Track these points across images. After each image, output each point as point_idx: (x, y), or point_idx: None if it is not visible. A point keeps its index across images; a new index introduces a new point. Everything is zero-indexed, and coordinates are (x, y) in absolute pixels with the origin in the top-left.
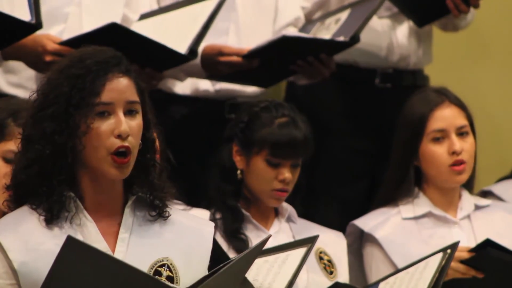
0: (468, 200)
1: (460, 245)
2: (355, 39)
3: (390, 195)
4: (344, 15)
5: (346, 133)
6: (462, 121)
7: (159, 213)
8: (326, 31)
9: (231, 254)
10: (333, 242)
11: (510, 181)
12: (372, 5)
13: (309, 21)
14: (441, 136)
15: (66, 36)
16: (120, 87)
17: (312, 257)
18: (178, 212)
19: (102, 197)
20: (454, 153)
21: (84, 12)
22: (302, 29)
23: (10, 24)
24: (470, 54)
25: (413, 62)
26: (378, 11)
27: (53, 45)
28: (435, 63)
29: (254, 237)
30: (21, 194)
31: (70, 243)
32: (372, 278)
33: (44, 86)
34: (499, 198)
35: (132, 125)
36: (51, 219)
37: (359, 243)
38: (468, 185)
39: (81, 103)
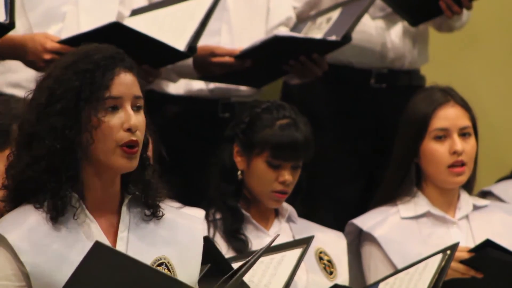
0: (466, 200)
1: (459, 245)
2: (346, 38)
3: (391, 193)
4: (335, 14)
5: (342, 134)
6: (465, 122)
7: (153, 213)
8: (317, 31)
9: (231, 255)
10: (333, 242)
11: (509, 181)
12: (363, 3)
13: (300, 20)
14: (443, 135)
15: (64, 35)
16: (127, 81)
17: (312, 257)
18: (169, 209)
19: (103, 195)
20: (455, 153)
21: (81, 11)
22: (293, 29)
23: None
24: (465, 53)
25: (408, 62)
26: (372, 11)
27: (52, 43)
28: (429, 62)
29: (254, 237)
30: (23, 192)
31: (97, 248)
32: (371, 277)
33: (48, 82)
34: (499, 199)
35: (139, 119)
36: (57, 217)
37: (358, 242)
38: (468, 187)
39: (91, 97)
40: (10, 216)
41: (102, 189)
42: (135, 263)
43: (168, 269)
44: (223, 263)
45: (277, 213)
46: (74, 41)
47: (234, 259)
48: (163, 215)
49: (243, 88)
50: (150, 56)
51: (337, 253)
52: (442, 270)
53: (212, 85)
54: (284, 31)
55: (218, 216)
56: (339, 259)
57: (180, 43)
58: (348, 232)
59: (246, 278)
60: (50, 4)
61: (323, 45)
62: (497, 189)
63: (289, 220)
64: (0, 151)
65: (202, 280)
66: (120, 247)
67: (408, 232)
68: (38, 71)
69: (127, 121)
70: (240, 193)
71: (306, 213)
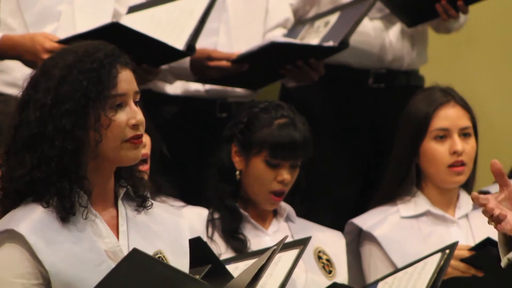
0: (466, 200)
1: (459, 244)
2: (344, 44)
3: (390, 193)
4: (333, 18)
5: (340, 133)
6: (466, 122)
7: (143, 204)
8: (315, 34)
9: (229, 254)
10: (332, 242)
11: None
12: (362, 8)
13: (298, 22)
14: (443, 135)
15: (59, 35)
16: (129, 78)
17: (310, 257)
18: (155, 204)
19: (102, 190)
20: (455, 153)
21: (76, 10)
22: (291, 31)
23: None
24: (464, 53)
25: (407, 63)
26: (370, 12)
27: (51, 43)
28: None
29: (252, 236)
30: (27, 193)
31: (135, 255)
32: (371, 276)
33: (51, 82)
34: None
35: (142, 114)
36: (67, 216)
37: (357, 241)
38: (467, 187)
39: (99, 97)
40: (18, 212)
41: (102, 184)
42: (172, 270)
43: None
44: (215, 263)
45: (275, 213)
46: (73, 41)
47: (234, 259)
48: (152, 204)
49: (239, 89)
50: (149, 55)
51: (336, 253)
52: (441, 269)
53: (208, 86)
54: (281, 37)
55: (216, 216)
56: (338, 258)
57: (179, 42)
58: (347, 231)
59: None
60: (45, 3)
61: (320, 51)
62: (495, 189)
63: (288, 219)
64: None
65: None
66: (122, 241)
67: (408, 231)
68: None
69: (134, 117)
70: (239, 193)
71: (304, 212)
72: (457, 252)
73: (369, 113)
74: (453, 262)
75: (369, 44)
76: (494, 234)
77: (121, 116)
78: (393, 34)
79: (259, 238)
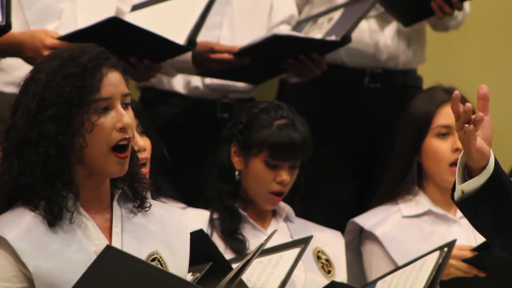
0: None
1: (460, 243)
2: (346, 39)
3: (392, 191)
4: (337, 15)
5: (336, 133)
6: None
7: (141, 205)
8: (318, 30)
9: (229, 255)
10: (331, 241)
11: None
12: (365, 5)
13: (302, 19)
14: (445, 132)
15: (61, 33)
16: (115, 81)
17: (310, 257)
18: (155, 204)
19: (95, 193)
20: (457, 150)
21: (78, 7)
22: (295, 28)
23: None
24: (461, 53)
25: (402, 62)
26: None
27: (51, 40)
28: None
29: (251, 237)
30: (16, 198)
31: (108, 251)
32: (372, 275)
33: (36, 88)
34: None
35: (130, 116)
36: (54, 221)
37: (358, 241)
38: None
39: (83, 101)
40: (5, 217)
41: (94, 188)
42: (148, 266)
43: (161, 264)
44: (218, 257)
45: (274, 213)
46: (73, 37)
47: (234, 260)
48: (150, 206)
49: (240, 84)
50: (150, 50)
51: (335, 252)
52: (439, 267)
53: (208, 81)
54: (284, 30)
55: (215, 216)
56: (337, 258)
57: (180, 37)
58: (348, 230)
59: (244, 278)
60: (47, 1)
61: (323, 45)
62: None
63: (287, 219)
64: None
65: (202, 280)
66: (116, 242)
67: (409, 231)
68: None
69: (120, 120)
70: (238, 193)
71: (303, 212)
72: (459, 253)
73: (365, 113)
74: (455, 262)
75: (364, 43)
76: None
77: (106, 120)
78: (388, 33)
79: (258, 238)
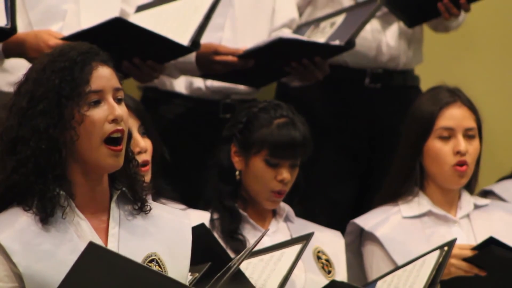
0: (467, 200)
1: (461, 243)
2: (350, 43)
3: (393, 192)
4: (339, 19)
5: (336, 133)
6: (471, 123)
7: (140, 207)
8: (320, 34)
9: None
10: (331, 241)
11: (510, 180)
12: (369, 9)
13: (302, 23)
14: (448, 134)
15: (65, 34)
16: (106, 74)
17: (310, 257)
18: (157, 205)
19: (91, 193)
20: (458, 153)
21: (82, 9)
22: (295, 31)
23: None
24: (460, 53)
25: (403, 62)
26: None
27: (55, 40)
28: (424, 62)
29: (251, 237)
30: (11, 197)
31: (91, 248)
32: (373, 276)
33: (26, 86)
34: (500, 198)
35: (123, 110)
36: (46, 218)
37: (359, 241)
38: (469, 187)
39: (72, 94)
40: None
41: (90, 187)
42: (130, 262)
43: (159, 266)
44: (220, 252)
45: (274, 213)
46: (77, 37)
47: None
48: (150, 209)
49: (240, 86)
50: (153, 51)
51: (335, 252)
52: (439, 266)
53: (209, 83)
54: (289, 34)
55: (215, 216)
56: (337, 258)
57: (183, 38)
58: (349, 231)
59: (246, 275)
60: (50, 2)
61: (326, 49)
62: (498, 188)
63: (287, 219)
64: None
65: (202, 279)
66: (112, 243)
67: (410, 231)
68: None
69: (112, 112)
70: (238, 193)
71: (303, 212)
72: (460, 252)
73: (365, 113)
74: (456, 261)
75: (365, 44)
76: (494, 234)
77: (97, 113)
78: (390, 34)
79: None
